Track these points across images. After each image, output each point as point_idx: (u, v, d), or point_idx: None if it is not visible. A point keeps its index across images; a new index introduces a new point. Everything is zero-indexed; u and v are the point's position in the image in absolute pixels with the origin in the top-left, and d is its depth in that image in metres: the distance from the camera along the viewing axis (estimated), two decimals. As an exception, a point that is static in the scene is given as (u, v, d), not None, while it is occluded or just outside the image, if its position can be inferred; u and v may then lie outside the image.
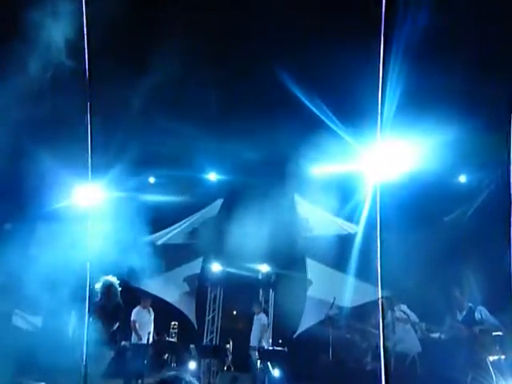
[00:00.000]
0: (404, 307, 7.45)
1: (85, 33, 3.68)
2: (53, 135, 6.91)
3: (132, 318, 8.74)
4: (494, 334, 6.22)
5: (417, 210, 7.87)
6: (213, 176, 9.35)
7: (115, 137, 7.15)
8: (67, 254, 7.25)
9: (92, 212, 6.50)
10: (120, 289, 6.51)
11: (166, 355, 8.80)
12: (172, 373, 1.95)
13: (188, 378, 1.89)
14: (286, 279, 9.69)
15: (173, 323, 9.14)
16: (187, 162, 8.57)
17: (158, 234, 9.33)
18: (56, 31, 6.04)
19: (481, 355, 5.89)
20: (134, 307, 8.77)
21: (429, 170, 7.58)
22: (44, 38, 6.09)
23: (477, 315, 6.50)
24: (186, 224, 9.41)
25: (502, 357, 5.76)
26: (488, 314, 6.42)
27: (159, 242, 9.28)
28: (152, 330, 8.56)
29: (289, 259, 9.45)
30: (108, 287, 6.37)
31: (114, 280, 6.46)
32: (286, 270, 9.72)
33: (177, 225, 9.42)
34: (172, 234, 9.44)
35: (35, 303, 7.56)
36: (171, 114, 7.13)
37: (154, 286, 9.77)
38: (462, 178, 8.69)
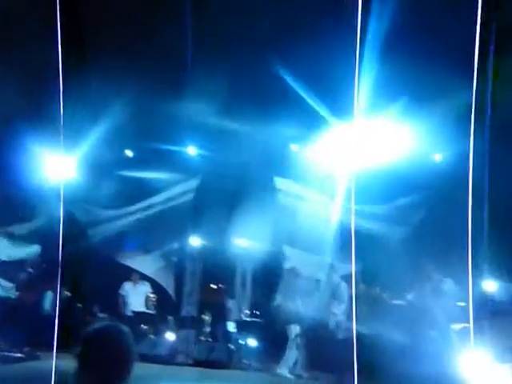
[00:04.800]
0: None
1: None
2: (24, 106, 6.83)
3: (120, 293, 8.98)
4: (458, 303, 6.47)
5: (391, 185, 7.99)
6: (192, 150, 9.26)
7: (90, 109, 7.10)
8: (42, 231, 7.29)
9: (65, 186, 6.49)
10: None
11: (144, 326, 8.93)
12: (106, 322, 1.94)
13: (122, 327, 1.90)
14: (264, 253, 9.82)
15: (151, 295, 9.28)
16: (166, 135, 8.42)
17: (135, 208, 9.32)
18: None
19: (445, 324, 6.12)
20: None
21: (405, 149, 7.70)
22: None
23: (443, 286, 6.73)
24: (163, 198, 9.39)
25: (465, 325, 6.00)
26: (453, 284, 6.65)
27: (136, 216, 9.29)
28: (143, 303, 8.91)
29: (268, 235, 9.57)
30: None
31: None
32: (265, 244, 9.84)
33: (154, 198, 9.39)
34: (150, 207, 9.44)
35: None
36: (149, 84, 7.07)
37: (131, 259, 9.87)
38: (437, 157, 8.77)
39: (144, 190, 9.12)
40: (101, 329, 1.89)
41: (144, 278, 9.51)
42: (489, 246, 6.23)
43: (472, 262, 5.48)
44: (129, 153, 9.05)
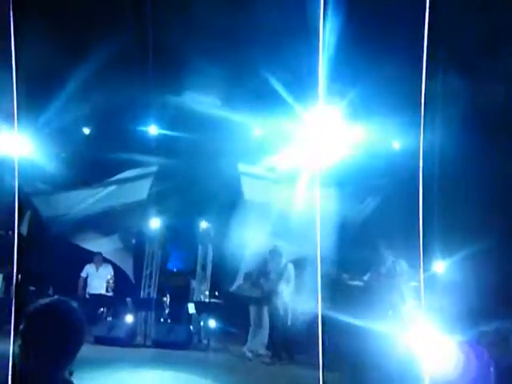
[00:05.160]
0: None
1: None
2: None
3: (81, 275, 9.04)
4: (411, 284, 6.79)
5: (350, 171, 8.20)
6: (153, 129, 9.04)
7: (45, 85, 6.85)
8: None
9: (20, 164, 6.27)
10: None
11: (102, 309, 8.86)
12: (52, 298, 1.88)
13: (69, 302, 1.86)
14: (224, 235, 9.87)
15: (109, 278, 9.21)
16: (125, 113, 8.18)
17: (92, 188, 9.14)
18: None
19: (399, 304, 6.40)
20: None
21: (367, 132, 7.89)
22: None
23: (397, 268, 7.03)
24: (122, 178, 9.22)
25: (417, 305, 6.30)
26: (407, 266, 6.96)
27: (94, 197, 9.12)
28: (104, 285, 8.82)
29: (229, 217, 9.62)
30: None
31: None
32: (225, 226, 9.89)
33: (113, 179, 9.21)
34: (108, 188, 9.27)
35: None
36: (108, 58, 6.87)
37: (88, 241, 9.72)
38: (397, 145, 9.01)
39: (102, 170, 8.92)
40: (45, 304, 1.83)
41: (104, 260, 9.41)
42: (439, 229, 6.56)
43: (423, 244, 5.72)
44: (86, 131, 8.75)
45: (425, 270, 6.28)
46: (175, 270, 10.37)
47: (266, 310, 7.93)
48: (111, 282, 9.13)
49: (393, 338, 4.97)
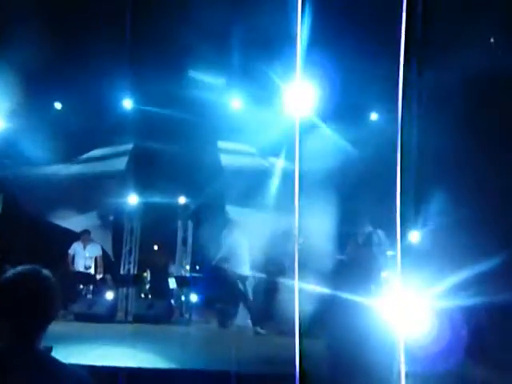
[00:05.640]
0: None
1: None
2: None
3: (69, 252, 8.90)
4: (388, 253, 6.90)
5: (328, 141, 8.19)
6: (128, 103, 8.81)
7: (15, 59, 6.61)
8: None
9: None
10: None
11: (81, 286, 8.81)
12: (27, 266, 1.78)
13: (42, 271, 1.78)
14: (205, 211, 9.85)
15: (97, 256, 9.12)
16: (99, 86, 7.92)
17: (67, 166, 8.93)
18: None
19: (376, 272, 6.49)
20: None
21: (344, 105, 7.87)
22: None
23: (375, 238, 7.12)
24: (98, 155, 9.04)
25: (392, 273, 6.41)
26: (384, 236, 7.06)
27: (70, 174, 8.92)
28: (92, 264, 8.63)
29: (208, 191, 9.58)
30: None
31: None
32: (205, 201, 9.86)
33: (88, 155, 9.02)
34: (84, 165, 9.08)
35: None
36: (82, 29, 6.66)
37: (67, 219, 9.60)
38: (374, 116, 9.01)
39: (77, 145, 8.70)
40: (16, 273, 1.74)
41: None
42: (416, 199, 6.63)
43: (400, 214, 5.79)
44: (58, 105, 8.48)
45: (402, 240, 6.37)
46: (155, 245, 10.33)
47: (250, 283, 7.98)
48: (99, 260, 9.04)
49: (371, 307, 5.05)
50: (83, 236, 9.05)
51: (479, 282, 5.87)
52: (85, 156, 9.05)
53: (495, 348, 5.56)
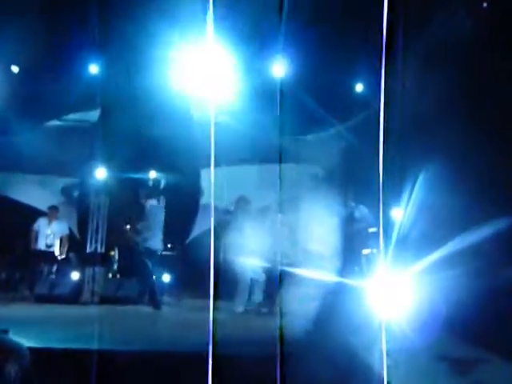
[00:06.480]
0: None
1: None
2: None
3: (33, 227, 8.45)
4: (370, 230, 6.66)
5: (312, 115, 7.90)
6: (93, 69, 8.14)
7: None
8: None
9: None
10: None
11: (43, 265, 8.29)
12: None
13: None
14: (177, 186, 9.44)
15: (64, 236, 8.58)
16: (62, 49, 7.37)
17: (26, 130, 8.21)
18: None
19: (357, 249, 6.28)
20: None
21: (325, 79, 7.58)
22: None
23: (357, 213, 6.86)
24: (63, 121, 8.39)
25: (374, 251, 6.21)
26: (367, 211, 6.81)
27: (30, 146, 8.25)
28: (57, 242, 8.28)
29: (180, 166, 9.20)
30: None
31: None
32: (178, 177, 9.43)
33: (50, 124, 8.35)
34: (47, 131, 8.41)
35: None
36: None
37: (29, 195, 9.04)
38: (359, 87, 8.71)
39: (37, 110, 8.01)
40: None
41: (42, 214, 8.69)
42: (398, 176, 6.40)
43: (383, 191, 5.52)
44: (14, 68, 7.76)
45: (384, 216, 6.14)
46: (124, 222, 9.81)
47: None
48: (64, 240, 8.56)
49: (354, 284, 4.87)
50: (50, 211, 8.58)
51: (462, 260, 5.74)
52: (46, 125, 8.38)
53: (476, 325, 5.44)
